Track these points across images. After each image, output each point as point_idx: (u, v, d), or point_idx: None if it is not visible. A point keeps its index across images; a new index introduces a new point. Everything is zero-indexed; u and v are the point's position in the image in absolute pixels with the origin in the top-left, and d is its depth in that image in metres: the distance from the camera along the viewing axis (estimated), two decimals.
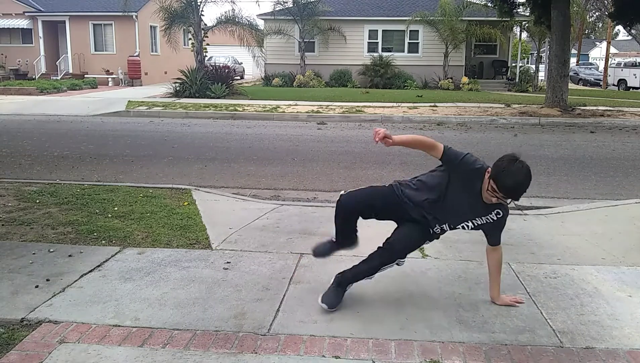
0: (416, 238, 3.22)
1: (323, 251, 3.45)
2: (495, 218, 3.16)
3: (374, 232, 3.42)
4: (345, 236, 3.38)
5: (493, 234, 3.26)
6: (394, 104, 16.21)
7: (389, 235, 3.23)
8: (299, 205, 5.73)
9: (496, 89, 23.39)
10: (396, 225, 3.29)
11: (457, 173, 3.09)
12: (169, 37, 19.46)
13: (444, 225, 3.20)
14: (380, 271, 3.20)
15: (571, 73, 28.51)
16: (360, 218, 3.30)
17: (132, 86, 23.93)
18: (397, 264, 3.19)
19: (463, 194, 3.10)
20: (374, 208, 3.25)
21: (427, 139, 3.12)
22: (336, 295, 3.23)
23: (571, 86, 20.59)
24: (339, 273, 3.30)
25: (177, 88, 18.50)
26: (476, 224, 3.19)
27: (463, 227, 3.21)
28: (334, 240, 3.42)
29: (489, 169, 2.98)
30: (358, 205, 3.22)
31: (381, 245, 3.22)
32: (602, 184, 7.04)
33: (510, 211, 5.70)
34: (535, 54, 30.15)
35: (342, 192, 3.27)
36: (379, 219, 3.33)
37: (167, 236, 4.46)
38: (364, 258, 3.26)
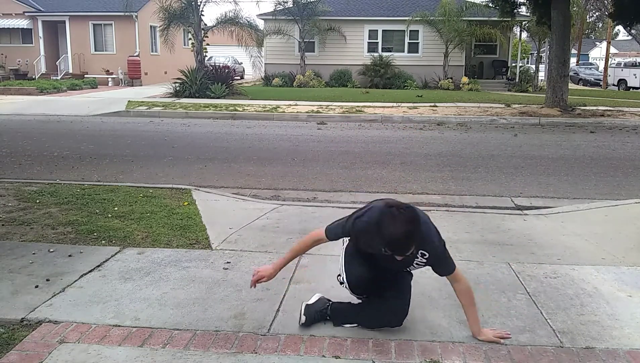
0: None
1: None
2: (424, 261, 2.75)
3: None
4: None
5: (439, 268, 2.86)
6: (394, 104, 16.21)
7: None
8: (299, 205, 5.72)
9: (496, 89, 23.39)
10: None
11: (355, 244, 2.82)
12: (165, 37, 19.45)
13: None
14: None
15: (571, 73, 28.50)
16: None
17: (132, 86, 23.92)
18: None
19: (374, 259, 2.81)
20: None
21: (306, 240, 2.97)
22: None
23: (571, 86, 20.59)
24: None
25: (177, 88, 18.49)
26: (413, 270, 2.90)
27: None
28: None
29: None
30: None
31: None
32: (602, 184, 7.04)
33: (510, 211, 5.72)
34: (535, 54, 30.16)
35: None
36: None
37: (167, 236, 4.46)
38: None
